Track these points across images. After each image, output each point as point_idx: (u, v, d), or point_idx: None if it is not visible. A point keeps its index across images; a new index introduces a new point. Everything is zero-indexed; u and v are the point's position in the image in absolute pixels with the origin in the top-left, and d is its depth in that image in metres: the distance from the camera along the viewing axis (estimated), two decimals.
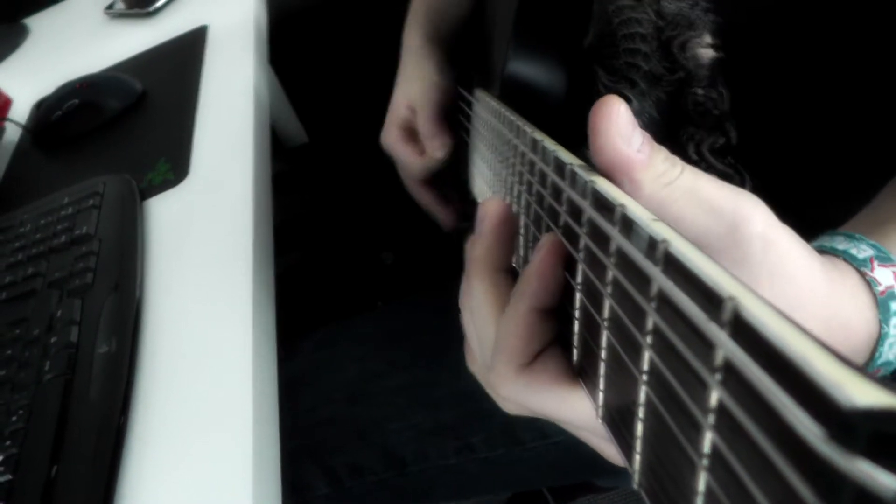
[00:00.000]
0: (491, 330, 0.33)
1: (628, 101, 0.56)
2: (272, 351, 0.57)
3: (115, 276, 0.61)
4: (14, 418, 0.50)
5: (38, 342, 0.56)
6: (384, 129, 0.78)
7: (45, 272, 0.63)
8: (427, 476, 0.69)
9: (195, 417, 0.49)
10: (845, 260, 0.34)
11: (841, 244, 0.35)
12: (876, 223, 0.36)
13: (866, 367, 0.33)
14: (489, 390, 0.36)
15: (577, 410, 0.30)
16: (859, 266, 0.33)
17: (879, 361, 0.33)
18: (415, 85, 0.75)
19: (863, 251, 0.34)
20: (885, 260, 0.33)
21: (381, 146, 0.78)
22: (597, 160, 0.29)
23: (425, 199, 0.80)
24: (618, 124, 0.28)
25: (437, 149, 0.72)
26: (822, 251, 0.35)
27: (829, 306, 0.31)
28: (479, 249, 0.36)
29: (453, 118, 0.73)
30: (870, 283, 0.33)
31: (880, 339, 0.32)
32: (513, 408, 0.36)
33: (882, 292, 0.32)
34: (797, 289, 0.29)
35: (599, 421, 0.28)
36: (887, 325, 0.32)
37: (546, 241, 0.31)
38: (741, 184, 0.53)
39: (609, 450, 0.32)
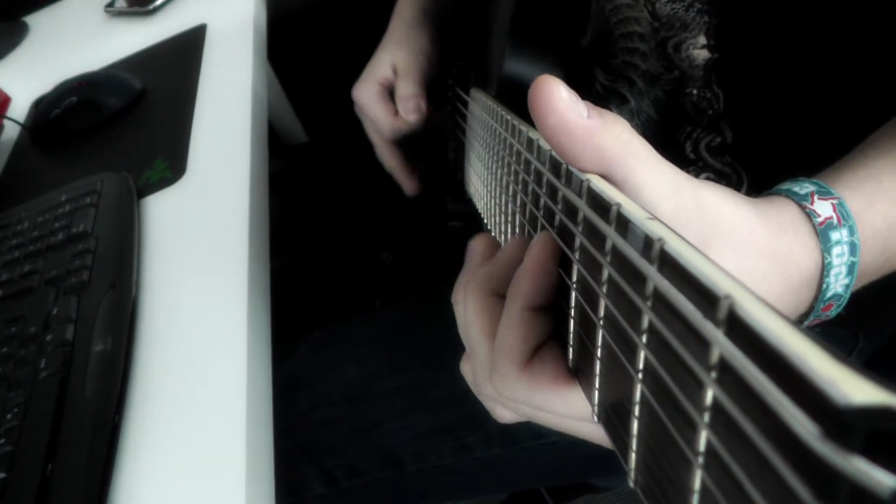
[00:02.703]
0: (484, 346, 0.34)
1: (626, 100, 0.56)
2: (267, 350, 0.57)
3: (111, 275, 0.60)
4: (9, 416, 0.50)
5: (34, 340, 0.56)
6: (359, 83, 0.77)
7: (43, 270, 0.63)
8: (424, 477, 0.69)
9: (189, 416, 0.49)
10: (787, 196, 0.35)
11: (784, 184, 0.36)
12: (841, 169, 0.37)
13: (816, 301, 0.35)
14: (483, 397, 0.37)
15: (578, 406, 0.30)
16: (799, 200, 0.34)
17: (828, 294, 0.34)
18: (403, 49, 0.75)
19: (804, 188, 0.35)
20: (825, 194, 0.34)
21: (354, 101, 0.77)
22: (552, 140, 0.29)
23: (390, 160, 0.79)
24: (561, 99, 0.28)
25: (411, 111, 0.71)
26: (767, 196, 0.36)
27: (771, 243, 0.32)
28: (485, 270, 0.35)
29: (449, 118, 0.73)
30: (809, 216, 0.34)
31: (824, 268, 0.34)
32: (509, 415, 0.36)
33: (821, 223, 0.33)
34: (739, 237, 0.31)
35: (596, 420, 0.28)
36: (829, 254, 0.33)
37: (537, 240, 0.31)
38: (738, 182, 0.53)
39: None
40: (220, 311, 0.56)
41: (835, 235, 0.34)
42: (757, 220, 0.32)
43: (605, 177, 0.29)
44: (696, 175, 0.55)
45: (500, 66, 0.50)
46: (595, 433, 0.32)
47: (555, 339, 0.32)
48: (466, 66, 0.70)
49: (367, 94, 0.76)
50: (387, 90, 0.75)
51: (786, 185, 0.36)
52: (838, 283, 0.34)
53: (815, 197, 0.34)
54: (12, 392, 0.52)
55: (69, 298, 0.58)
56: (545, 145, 0.33)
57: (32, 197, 0.77)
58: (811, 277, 0.34)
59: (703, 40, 0.51)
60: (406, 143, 0.77)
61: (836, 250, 0.33)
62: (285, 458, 0.67)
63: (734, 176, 0.54)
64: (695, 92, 0.53)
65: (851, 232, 0.34)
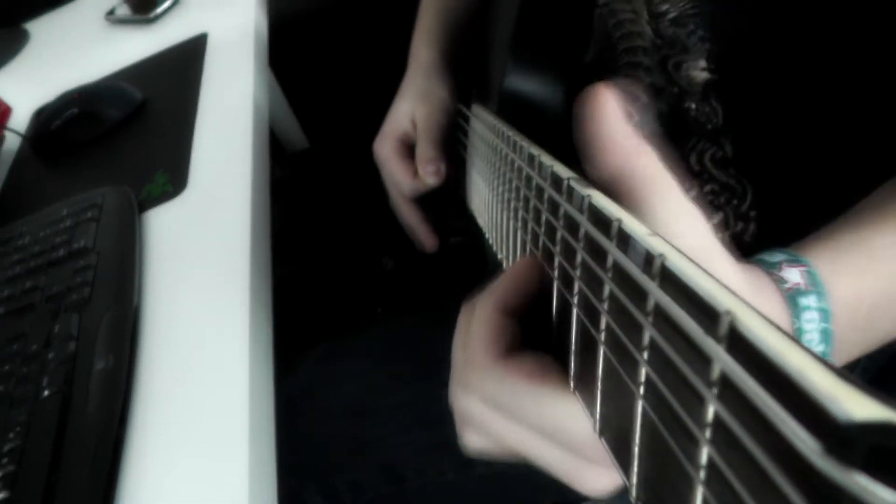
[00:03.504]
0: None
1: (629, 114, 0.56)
2: (269, 364, 0.57)
3: (113, 291, 0.60)
4: (11, 435, 0.50)
5: (36, 358, 0.56)
6: (380, 138, 0.77)
7: (44, 286, 0.63)
8: (426, 492, 0.69)
9: (192, 432, 0.49)
10: (758, 264, 0.36)
11: (758, 255, 0.37)
12: (815, 239, 0.38)
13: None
14: (456, 415, 0.36)
15: (549, 412, 0.30)
16: (769, 268, 0.35)
17: None
18: (423, 102, 0.74)
19: (775, 256, 0.36)
20: (793, 262, 0.35)
21: (374, 154, 0.77)
22: (595, 150, 0.30)
23: (409, 218, 0.78)
24: (618, 112, 0.29)
25: (430, 174, 0.71)
26: (747, 262, 0.37)
27: (752, 300, 0.32)
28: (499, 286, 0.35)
29: (451, 135, 0.73)
30: (777, 282, 0.34)
31: (796, 334, 0.34)
32: (476, 439, 0.35)
33: (789, 289, 0.34)
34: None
35: (597, 435, 0.28)
36: (799, 319, 0.34)
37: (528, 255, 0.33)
38: (743, 195, 0.53)
39: (585, 474, 0.31)
40: (223, 326, 0.56)
41: (803, 301, 0.34)
42: (744, 284, 0.32)
43: (620, 197, 0.29)
44: (702, 187, 0.55)
45: (501, 82, 0.50)
46: (573, 471, 0.31)
47: (532, 348, 0.32)
48: (467, 82, 0.70)
49: (386, 151, 0.75)
50: (406, 146, 0.75)
51: (759, 255, 0.37)
52: (814, 349, 0.34)
53: (784, 265, 0.35)
54: (14, 410, 0.52)
55: (71, 315, 0.58)
56: (546, 161, 0.34)
57: (34, 209, 0.78)
58: None
59: (702, 64, 0.51)
60: (422, 198, 0.76)
61: (805, 315, 0.34)
62: (287, 473, 0.66)
63: (739, 188, 0.54)
64: (693, 106, 0.53)
65: (820, 298, 0.34)
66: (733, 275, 0.32)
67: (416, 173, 0.72)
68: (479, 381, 0.32)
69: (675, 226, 0.29)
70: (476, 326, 0.33)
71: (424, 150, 0.71)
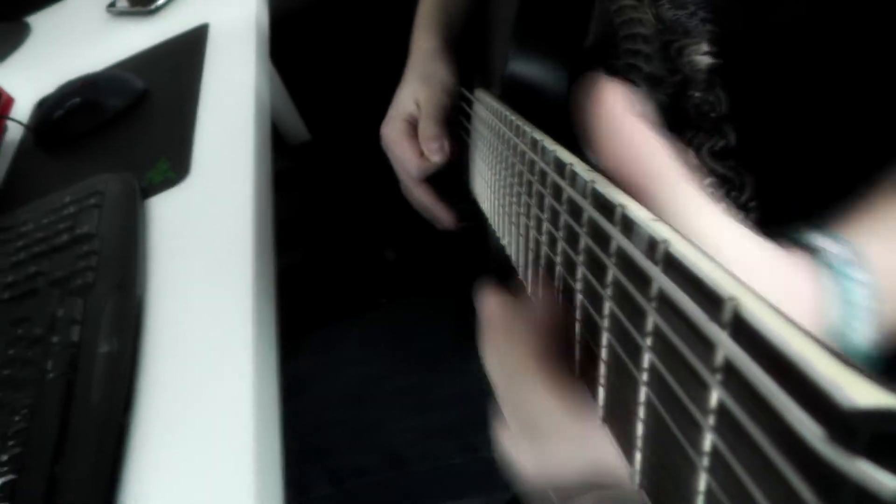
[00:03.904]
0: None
1: None
2: (273, 349, 0.57)
3: (116, 276, 0.61)
4: (17, 417, 0.50)
5: (40, 341, 0.56)
6: (386, 121, 0.77)
7: (47, 271, 0.63)
8: (429, 476, 0.69)
9: (197, 416, 0.49)
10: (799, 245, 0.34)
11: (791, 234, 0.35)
12: (850, 218, 0.37)
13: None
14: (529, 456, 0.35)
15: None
16: (807, 245, 0.34)
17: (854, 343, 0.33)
18: (425, 85, 0.74)
19: (812, 237, 0.34)
20: (834, 239, 0.34)
21: (380, 138, 0.77)
22: (603, 140, 0.30)
23: (422, 198, 0.78)
24: (624, 104, 0.29)
25: (434, 152, 0.71)
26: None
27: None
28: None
29: (455, 115, 0.73)
30: (820, 261, 0.33)
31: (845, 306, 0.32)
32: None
33: (835, 262, 0.33)
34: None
35: (600, 421, 0.28)
36: (848, 291, 0.32)
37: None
38: (741, 186, 0.53)
39: None
40: (226, 311, 0.56)
41: (849, 272, 0.33)
42: (782, 259, 0.32)
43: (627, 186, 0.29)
44: (700, 181, 0.54)
45: (504, 67, 0.50)
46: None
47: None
48: (470, 67, 0.70)
49: (393, 133, 0.75)
50: (412, 127, 0.75)
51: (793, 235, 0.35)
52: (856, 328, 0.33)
53: (826, 242, 0.34)
54: (19, 393, 0.52)
55: (74, 300, 0.58)
56: (550, 146, 0.33)
57: (37, 198, 0.78)
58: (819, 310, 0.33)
59: (705, 47, 0.51)
60: (433, 178, 0.76)
61: (854, 289, 0.32)
62: (290, 458, 0.67)
63: (737, 180, 0.54)
64: (697, 95, 0.53)
65: (864, 271, 0.33)
66: (770, 259, 0.31)
67: (421, 153, 0.72)
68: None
69: (695, 219, 0.29)
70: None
71: (426, 128, 0.72)
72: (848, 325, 0.32)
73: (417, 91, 0.75)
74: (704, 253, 0.19)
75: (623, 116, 0.29)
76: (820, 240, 0.34)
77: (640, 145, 0.29)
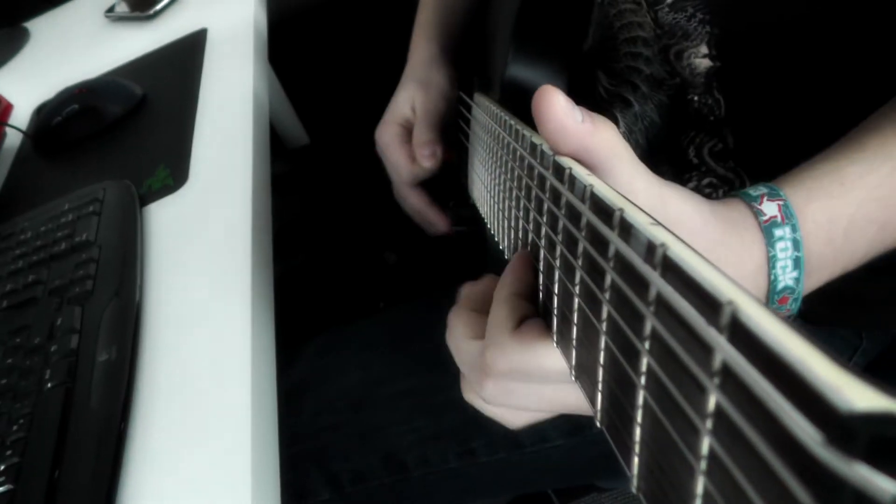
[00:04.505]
0: (474, 345, 0.39)
1: (629, 104, 0.56)
2: (271, 356, 0.57)
3: (114, 283, 0.61)
4: (15, 427, 0.50)
5: (39, 350, 0.56)
6: (381, 125, 0.77)
7: (46, 280, 0.63)
8: (429, 481, 0.69)
9: (195, 423, 0.49)
10: (740, 198, 0.40)
11: (743, 189, 0.41)
12: (795, 171, 0.41)
13: (769, 296, 0.38)
14: (488, 406, 0.40)
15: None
16: (749, 201, 0.39)
17: (779, 286, 0.38)
18: (423, 89, 0.74)
19: (757, 190, 0.40)
20: (773, 196, 0.39)
21: (375, 141, 0.78)
22: (551, 141, 0.34)
23: (414, 203, 0.78)
24: (560, 107, 0.33)
25: (426, 157, 0.71)
26: (725, 198, 0.41)
27: (723, 234, 0.37)
28: (466, 294, 0.43)
29: (452, 123, 0.73)
30: (756, 215, 0.38)
31: (770, 261, 0.38)
32: (513, 417, 0.41)
33: (766, 221, 0.38)
34: (695, 227, 0.37)
35: (598, 425, 0.28)
36: (773, 248, 0.38)
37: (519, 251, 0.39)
38: (741, 187, 0.53)
39: None
40: (225, 318, 0.56)
41: (778, 232, 0.38)
42: (711, 215, 0.38)
43: (589, 169, 0.32)
44: (700, 180, 0.55)
45: (503, 71, 0.50)
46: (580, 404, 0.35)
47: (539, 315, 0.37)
48: (468, 71, 0.70)
49: (387, 137, 0.76)
50: (406, 131, 0.75)
51: (744, 190, 0.40)
52: (787, 276, 0.38)
53: (765, 198, 0.39)
54: (18, 403, 0.52)
55: (73, 308, 0.58)
56: (549, 150, 0.34)
57: (35, 205, 0.78)
58: (762, 264, 0.38)
59: (704, 50, 0.51)
60: (426, 184, 0.76)
61: (779, 245, 0.38)
62: (290, 463, 0.67)
63: (737, 181, 0.54)
64: (696, 98, 0.53)
65: (794, 230, 0.38)
66: (696, 213, 0.37)
67: (413, 159, 0.72)
68: (500, 358, 0.36)
69: (635, 183, 0.35)
70: (493, 312, 0.37)
71: (420, 134, 0.72)
72: (776, 279, 0.38)
73: (414, 95, 0.75)
74: (702, 257, 0.19)
75: (564, 116, 0.34)
76: (762, 197, 0.39)
77: (584, 134, 0.34)
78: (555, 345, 0.34)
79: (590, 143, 0.33)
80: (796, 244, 0.38)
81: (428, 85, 0.74)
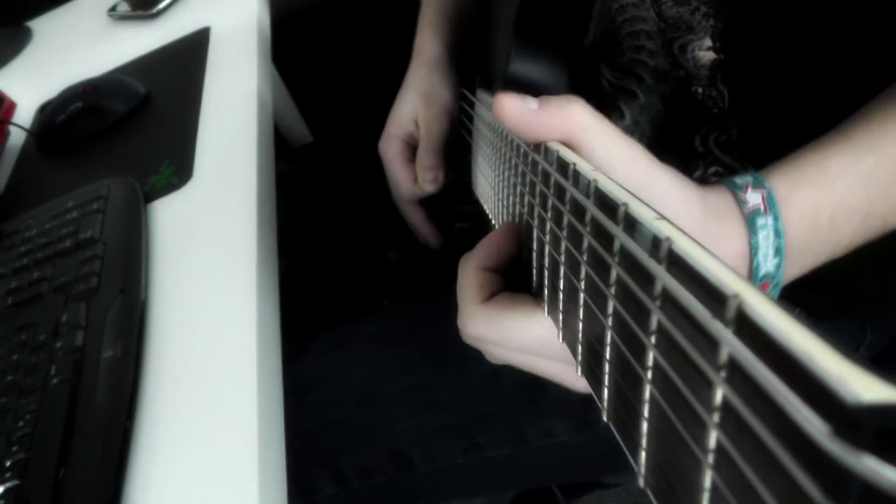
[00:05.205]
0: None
1: (635, 96, 0.56)
2: (277, 353, 0.57)
3: (119, 280, 0.61)
4: (21, 423, 0.50)
5: (44, 347, 0.56)
6: (384, 138, 0.77)
7: (51, 277, 0.63)
8: (434, 476, 0.69)
9: (201, 420, 0.50)
10: (727, 186, 0.40)
11: (730, 178, 0.41)
12: (781, 162, 0.42)
13: (750, 279, 0.39)
14: (464, 337, 0.43)
15: (532, 331, 0.37)
16: (735, 190, 0.40)
17: (760, 272, 0.39)
18: (427, 105, 0.74)
19: (743, 179, 0.40)
20: (758, 185, 0.40)
21: (379, 153, 0.78)
22: (519, 134, 0.37)
23: (411, 217, 0.80)
24: (512, 106, 0.36)
25: (429, 182, 0.72)
26: (713, 184, 0.42)
27: (704, 220, 0.38)
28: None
29: (454, 138, 0.73)
30: (740, 203, 0.39)
31: (752, 249, 0.39)
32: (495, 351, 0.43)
33: (749, 210, 0.39)
34: (678, 209, 0.37)
35: (605, 419, 0.28)
36: (756, 236, 0.39)
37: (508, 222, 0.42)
38: None
39: (575, 380, 0.36)
40: (230, 314, 0.56)
41: (760, 221, 0.39)
42: (696, 199, 0.38)
43: (570, 147, 0.34)
44: (706, 169, 0.55)
45: (505, 68, 0.50)
46: (555, 368, 0.39)
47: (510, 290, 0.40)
48: (471, 68, 0.70)
49: (391, 153, 0.76)
50: (410, 149, 0.76)
51: (730, 178, 0.41)
52: (768, 263, 0.39)
53: (749, 188, 0.40)
54: (24, 399, 0.52)
55: (78, 305, 0.59)
56: (552, 146, 0.34)
57: (39, 203, 0.78)
58: (743, 253, 0.39)
59: (708, 43, 0.51)
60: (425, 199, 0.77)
61: (761, 234, 0.39)
62: (295, 460, 0.67)
63: (742, 171, 0.54)
64: (700, 90, 0.53)
65: (776, 219, 0.39)
66: (679, 194, 0.38)
67: (416, 179, 0.74)
68: (470, 325, 0.40)
69: (615, 155, 0.36)
70: (461, 281, 0.41)
71: (424, 158, 0.73)
72: (758, 266, 0.39)
73: (418, 110, 0.74)
74: (707, 250, 0.19)
75: (521, 112, 0.36)
76: (747, 185, 0.40)
77: (551, 120, 0.36)
78: (525, 309, 0.37)
79: (552, 124, 0.35)
80: (778, 233, 0.39)
81: (432, 99, 0.74)
